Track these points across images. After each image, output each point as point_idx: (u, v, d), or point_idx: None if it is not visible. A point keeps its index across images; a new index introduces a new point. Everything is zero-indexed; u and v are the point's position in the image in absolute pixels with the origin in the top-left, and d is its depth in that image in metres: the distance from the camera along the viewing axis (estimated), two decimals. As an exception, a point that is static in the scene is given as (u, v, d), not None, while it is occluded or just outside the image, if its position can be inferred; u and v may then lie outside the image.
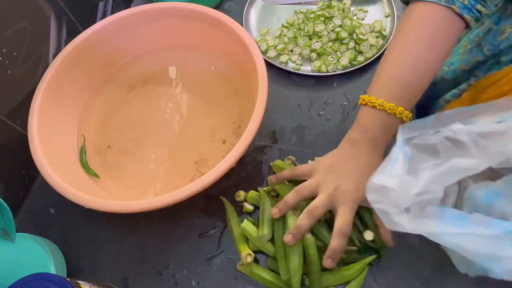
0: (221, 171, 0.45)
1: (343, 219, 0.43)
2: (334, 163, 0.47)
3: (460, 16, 0.44)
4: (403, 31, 0.46)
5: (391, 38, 0.47)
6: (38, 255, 0.46)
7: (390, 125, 0.46)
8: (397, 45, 0.46)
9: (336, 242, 0.43)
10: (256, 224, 0.50)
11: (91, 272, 0.51)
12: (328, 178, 0.46)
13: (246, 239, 0.49)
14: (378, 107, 0.45)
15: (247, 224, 0.48)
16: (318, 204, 0.44)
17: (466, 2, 0.44)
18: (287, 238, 0.44)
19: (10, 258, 0.42)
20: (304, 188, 0.46)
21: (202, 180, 0.45)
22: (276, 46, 0.66)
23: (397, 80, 0.45)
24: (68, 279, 0.39)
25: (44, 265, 0.45)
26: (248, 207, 0.52)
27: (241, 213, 0.53)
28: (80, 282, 0.41)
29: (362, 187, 0.42)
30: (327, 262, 0.43)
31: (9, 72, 0.51)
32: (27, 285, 0.38)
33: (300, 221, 0.44)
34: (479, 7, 0.45)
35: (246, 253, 0.47)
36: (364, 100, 0.47)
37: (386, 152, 0.46)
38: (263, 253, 0.49)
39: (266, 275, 0.47)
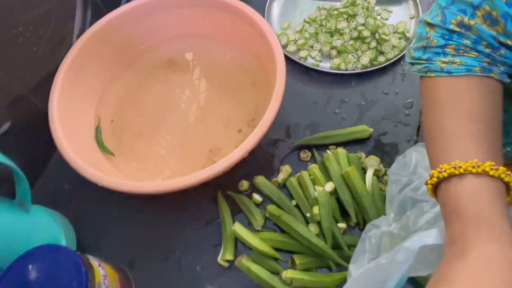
0: (233, 160, 0.46)
1: None
2: None
3: (501, 81, 0.36)
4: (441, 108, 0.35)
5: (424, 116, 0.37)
6: (50, 227, 0.47)
7: (500, 194, 0.31)
8: (447, 114, 0.35)
9: None
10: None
11: (100, 250, 0.52)
12: None
13: (235, 240, 0.50)
14: (474, 171, 0.30)
15: (238, 227, 0.49)
16: None
17: (502, 69, 0.36)
18: None
19: (24, 227, 0.43)
20: None
21: (214, 168, 0.46)
22: (297, 41, 0.66)
23: (475, 135, 0.33)
24: (78, 253, 0.40)
25: (55, 237, 0.47)
26: (257, 198, 0.53)
27: (237, 211, 0.53)
28: (90, 257, 0.43)
29: None
30: None
31: (35, 49, 0.53)
32: (39, 255, 0.39)
33: None
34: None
35: (224, 260, 0.49)
36: (443, 171, 0.31)
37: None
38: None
39: (262, 274, 0.47)
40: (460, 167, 0.30)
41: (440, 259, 0.36)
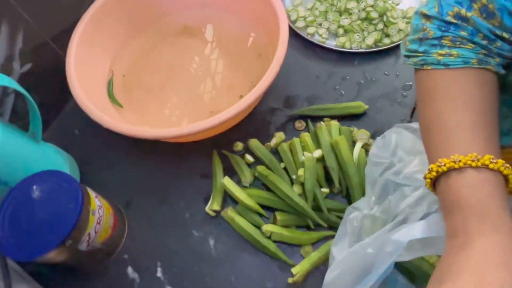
0: (229, 116, 0.49)
1: None
2: None
3: (497, 72, 0.36)
4: (439, 99, 0.35)
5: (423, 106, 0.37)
6: (57, 161, 0.52)
7: (499, 186, 0.31)
8: (444, 105, 0.35)
9: None
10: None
11: (101, 189, 0.56)
12: None
13: (224, 193, 0.54)
14: (474, 165, 0.30)
15: (227, 181, 0.52)
16: None
17: (497, 60, 0.36)
18: None
19: (33, 156, 0.48)
20: None
21: (210, 121, 0.49)
22: (306, 18, 0.68)
23: (471, 126, 0.33)
24: (78, 181, 0.44)
25: (60, 169, 0.51)
26: (249, 158, 0.56)
27: (229, 170, 0.56)
28: (88, 188, 0.47)
29: None
30: None
31: (59, -1, 0.57)
32: (43, 178, 0.44)
33: None
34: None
35: (211, 209, 0.52)
36: (442, 166, 0.31)
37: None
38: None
39: (245, 225, 0.50)
40: (459, 161, 0.31)
41: (424, 247, 0.37)
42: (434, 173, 0.32)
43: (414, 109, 0.60)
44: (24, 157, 0.46)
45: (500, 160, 0.31)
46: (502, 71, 0.37)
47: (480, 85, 0.35)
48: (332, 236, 0.49)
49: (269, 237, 0.50)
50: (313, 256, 0.48)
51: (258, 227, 0.51)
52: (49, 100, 0.61)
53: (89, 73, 0.60)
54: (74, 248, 0.43)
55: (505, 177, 0.31)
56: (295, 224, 0.51)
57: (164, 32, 0.69)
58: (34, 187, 0.43)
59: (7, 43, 0.52)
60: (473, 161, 0.30)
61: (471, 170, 0.31)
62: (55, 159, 0.52)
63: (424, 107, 0.37)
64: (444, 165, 0.31)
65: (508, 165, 0.31)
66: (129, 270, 0.51)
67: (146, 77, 0.65)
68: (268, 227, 0.49)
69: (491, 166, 0.30)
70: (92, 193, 0.47)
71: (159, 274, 0.50)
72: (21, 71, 0.55)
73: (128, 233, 0.53)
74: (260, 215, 0.52)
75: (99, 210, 0.46)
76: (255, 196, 0.52)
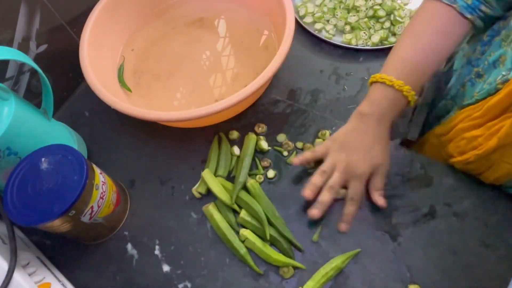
0: (233, 101, 0.50)
1: (354, 190, 0.49)
2: (344, 140, 0.51)
3: (462, 14, 0.48)
4: (414, 23, 0.52)
5: (406, 27, 0.54)
6: (66, 137, 0.54)
7: (397, 102, 0.50)
8: (408, 34, 0.52)
9: (348, 208, 0.49)
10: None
11: (106, 168, 0.58)
12: (340, 156, 0.50)
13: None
14: (388, 83, 0.49)
15: (205, 173, 0.54)
16: (335, 181, 0.50)
17: (469, 2, 0.48)
18: (313, 212, 0.49)
19: (44, 131, 0.50)
20: (325, 168, 0.51)
21: (212, 107, 0.50)
22: (314, 14, 0.69)
23: (406, 61, 0.50)
24: (84, 157, 0.46)
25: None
26: (235, 152, 0.57)
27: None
28: (94, 165, 0.49)
29: (369, 159, 0.49)
30: (341, 227, 0.50)
31: (76, -15, 0.59)
32: (51, 151, 0.46)
33: (323, 197, 0.49)
34: (483, 8, 0.48)
35: (197, 191, 0.54)
36: (375, 77, 0.51)
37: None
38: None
39: (221, 223, 0.51)
40: (382, 78, 0.50)
41: None
42: (372, 79, 0.51)
43: (416, 107, 0.61)
44: (35, 131, 0.49)
45: (406, 87, 0.48)
46: (469, 16, 0.49)
47: (452, 27, 0.49)
48: (299, 269, 0.48)
49: (243, 241, 0.50)
50: (327, 272, 0.47)
51: (234, 229, 0.51)
52: (61, 81, 0.64)
53: (101, 57, 0.62)
54: (77, 219, 0.45)
55: (407, 98, 0.49)
56: (254, 230, 0.51)
57: (176, 21, 0.71)
58: (43, 159, 0.45)
59: (25, 23, 0.54)
60: (390, 81, 0.49)
61: (385, 85, 0.49)
62: (64, 135, 0.54)
63: (406, 27, 0.53)
64: (377, 77, 0.51)
65: (410, 90, 0.49)
66: (129, 246, 0.53)
67: (155, 64, 0.67)
68: (245, 232, 0.50)
69: (396, 87, 0.49)
70: (97, 169, 0.49)
71: (156, 252, 0.52)
72: (37, 52, 0.58)
73: (130, 211, 0.55)
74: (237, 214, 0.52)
75: (103, 186, 0.48)
76: (227, 189, 0.53)
